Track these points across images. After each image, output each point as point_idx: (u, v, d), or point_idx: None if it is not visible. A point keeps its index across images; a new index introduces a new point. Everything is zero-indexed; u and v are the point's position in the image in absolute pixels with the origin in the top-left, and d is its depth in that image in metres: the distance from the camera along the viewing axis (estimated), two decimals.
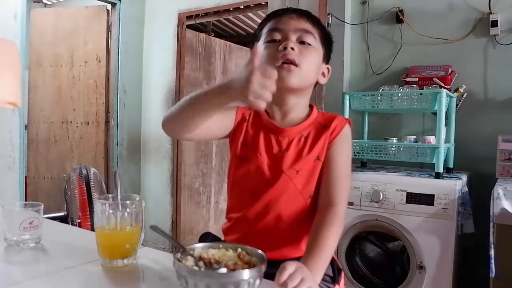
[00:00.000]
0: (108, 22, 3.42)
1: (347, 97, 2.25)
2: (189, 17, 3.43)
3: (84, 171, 2.23)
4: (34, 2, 4.23)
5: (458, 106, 2.25)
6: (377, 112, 2.42)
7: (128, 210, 0.83)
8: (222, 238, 1.06)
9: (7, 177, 2.38)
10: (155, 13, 3.52)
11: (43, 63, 3.47)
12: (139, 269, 0.84)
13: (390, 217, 1.94)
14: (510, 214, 1.60)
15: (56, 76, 3.46)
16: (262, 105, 0.70)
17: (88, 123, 3.44)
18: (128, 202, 0.84)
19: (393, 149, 2.15)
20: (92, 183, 2.20)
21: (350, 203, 2.02)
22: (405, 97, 2.09)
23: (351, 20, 2.62)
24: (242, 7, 3.32)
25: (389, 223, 1.95)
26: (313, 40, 0.98)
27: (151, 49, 3.55)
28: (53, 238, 0.99)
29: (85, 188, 2.17)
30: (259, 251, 0.71)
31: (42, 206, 0.95)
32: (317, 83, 1.03)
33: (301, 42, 0.96)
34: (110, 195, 0.86)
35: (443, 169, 2.01)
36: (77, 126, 3.45)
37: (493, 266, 1.58)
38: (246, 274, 0.63)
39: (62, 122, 3.47)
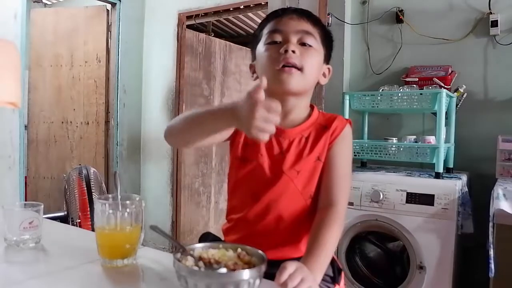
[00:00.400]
0: (108, 22, 3.42)
1: (347, 97, 2.25)
2: (189, 17, 3.43)
3: (84, 171, 2.23)
4: (34, 2, 4.23)
5: (458, 106, 2.25)
6: (377, 112, 2.42)
7: (128, 210, 0.83)
8: (222, 238, 1.06)
9: (7, 177, 2.38)
10: (155, 13, 3.52)
11: (43, 63, 3.47)
12: (139, 269, 0.84)
13: (390, 217, 1.94)
14: (509, 214, 1.60)
15: (56, 76, 3.46)
16: (265, 138, 0.70)
17: (88, 123, 3.44)
18: (128, 202, 0.84)
19: (393, 149, 2.15)
20: (92, 183, 2.21)
21: (350, 203, 2.02)
22: (405, 97, 2.09)
23: (351, 20, 2.62)
24: (242, 7, 3.33)
25: (389, 223, 1.95)
26: (314, 41, 0.97)
27: (151, 49, 3.55)
28: (53, 238, 0.99)
29: (85, 188, 2.17)
30: (259, 251, 0.71)
31: (42, 206, 0.94)
32: (317, 83, 1.03)
33: (302, 44, 0.95)
34: (110, 195, 0.86)
35: (443, 169, 2.01)
36: (77, 126, 3.45)
37: (492, 266, 1.58)
38: (246, 274, 0.63)
39: (62, 122, 3.47)
